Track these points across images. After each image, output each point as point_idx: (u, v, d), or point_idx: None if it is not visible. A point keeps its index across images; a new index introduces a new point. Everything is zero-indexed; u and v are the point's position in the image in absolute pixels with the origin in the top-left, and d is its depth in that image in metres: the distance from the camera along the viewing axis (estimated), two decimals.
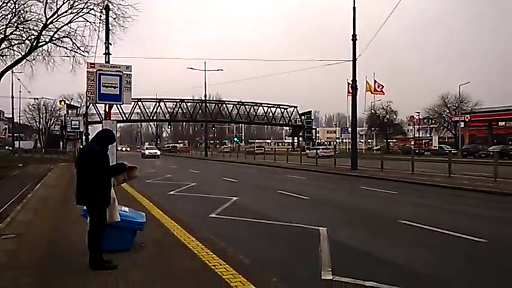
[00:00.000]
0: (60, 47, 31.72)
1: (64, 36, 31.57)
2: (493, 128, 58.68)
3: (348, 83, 40.64)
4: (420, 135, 72.69)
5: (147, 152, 54.75)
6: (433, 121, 66.68)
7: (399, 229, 8.63)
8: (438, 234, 7.94)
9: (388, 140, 66.56)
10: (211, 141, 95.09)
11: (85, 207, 5.66)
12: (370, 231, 8.57)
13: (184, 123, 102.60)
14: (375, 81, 56.89)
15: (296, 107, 79.14)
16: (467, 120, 57.81)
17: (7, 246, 6.70)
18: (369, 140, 78.48)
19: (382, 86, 57.21)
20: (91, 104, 51.66)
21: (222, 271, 5.26)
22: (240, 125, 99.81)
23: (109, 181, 5.48)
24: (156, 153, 54.46)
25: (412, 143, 69.89)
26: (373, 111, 62.17)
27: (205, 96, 59.02)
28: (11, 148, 57.51)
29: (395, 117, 64.03)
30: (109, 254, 5.51)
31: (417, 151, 44.49)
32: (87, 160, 5.35)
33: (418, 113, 69.99)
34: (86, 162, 5.35)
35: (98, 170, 5.27)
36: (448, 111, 61.17)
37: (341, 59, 27.58)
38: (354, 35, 24.41)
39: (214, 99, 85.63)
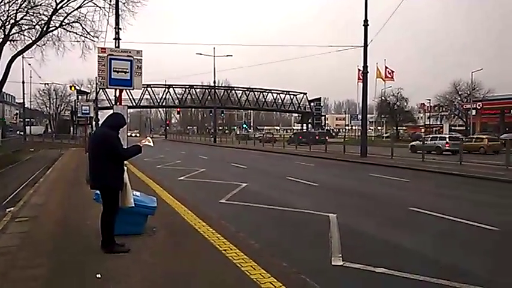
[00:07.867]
0: (70, 32, 31.70)
1: (74, 21, 31.52)
2: (505, 116, 57.70)
3: (359, 69, 40.23)
4: (430, 123, 71.85)
5: None
6: (443, 109, 65.76)
7: (409, 216, 8.61)
8: (448, 222, 7.93)
9: (398, 128, 66.00)
10: (220, 128, 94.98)
11: (97, 192, 5.70)
12: (380, 218, 8.57)
13: (193, 109, 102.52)
14: (386, 67, 56.23)
15: (305, 93, 78.49)
16: (479, 107, 56.89)
17: (21, 228, 6.81)
18: (379, 127, 77.96)
19: (393, 72, 56.55)
20: (101, 90, 51.81)
21: (233, 255, 5.29)
22: (249, 111, 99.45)
23: (122, 165, 5.49)
24: None
25: (422, 130, 69.22)
26: (383, 98, 61.55)
27: (214, 82, 58.82)
28: (22, 133, 58.00)
29: (405, 104, 63.40)
30: (121, 238, 5.57)
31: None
32: (100, 144, 5.33)
33: (429, 100, 69.15)
34: (99, 146, 5.33)
35: (110, 153, 5.26)
36: (459, 98, 60.26)
37: (352, 44, 27.17)
38: (366, 20, 24.08)
39: (223, 85, 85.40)
